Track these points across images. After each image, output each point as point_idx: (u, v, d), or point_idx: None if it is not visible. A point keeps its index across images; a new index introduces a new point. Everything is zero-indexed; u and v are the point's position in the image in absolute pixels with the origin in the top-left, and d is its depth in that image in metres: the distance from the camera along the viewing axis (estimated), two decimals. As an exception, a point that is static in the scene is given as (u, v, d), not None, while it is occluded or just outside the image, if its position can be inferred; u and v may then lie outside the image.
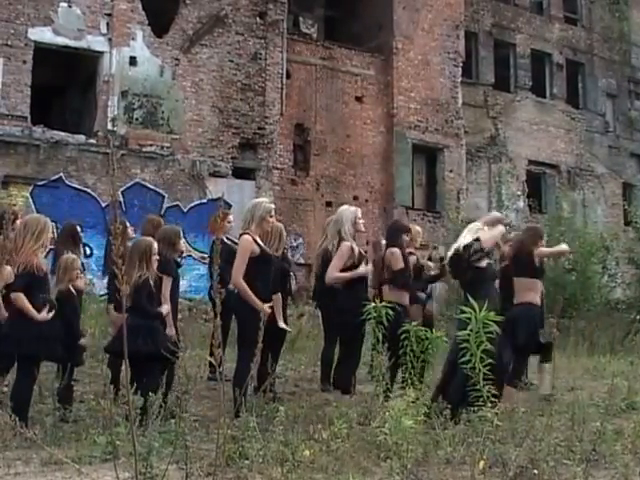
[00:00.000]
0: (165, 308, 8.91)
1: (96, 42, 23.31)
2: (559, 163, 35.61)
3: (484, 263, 9.10)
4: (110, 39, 23.44)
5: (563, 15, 37.59)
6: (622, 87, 39.02)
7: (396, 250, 10.70)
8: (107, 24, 23.43)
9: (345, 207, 10.88)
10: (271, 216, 9.20)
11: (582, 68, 37.87)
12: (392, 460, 6.24)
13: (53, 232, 8.96)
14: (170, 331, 9.21)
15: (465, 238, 9.19)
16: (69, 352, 8.54)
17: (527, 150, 34.56)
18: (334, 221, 10.56)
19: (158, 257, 8.62)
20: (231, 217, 12.22)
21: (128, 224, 11.21)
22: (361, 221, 10.51)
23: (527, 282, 10.41)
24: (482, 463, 6.19)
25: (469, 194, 31.48)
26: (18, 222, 8.97)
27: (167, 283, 9.31)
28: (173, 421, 6.73)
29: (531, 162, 34.71)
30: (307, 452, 6.50)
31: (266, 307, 8.63)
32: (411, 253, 12.76)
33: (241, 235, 9.02)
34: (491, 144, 33.52)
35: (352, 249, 10.23)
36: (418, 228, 13.37)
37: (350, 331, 10.19)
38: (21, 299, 7.87)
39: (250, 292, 8.64)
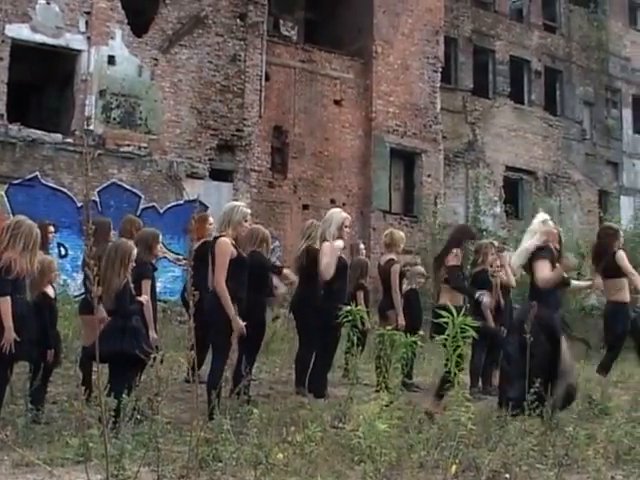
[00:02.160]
0: (144, 298, 8.91)
1: (74, 40, 23.16)
2: (536, 169, 35.77)
3: None
4: (89, 37, 23.30)
5: (542, 23, 37.79)
6: (599, 95, 39.26)
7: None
8: (86, 22, 23.29)
9: (337, 210, 10.84)
10: (246, 220, 9.24)
11: (560, 76, 38.07)
12: (366, 464, 6.24)
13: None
14: (153, 334, 9.21)
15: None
16: (44, 354, 8.50)
17: (504, 156, 34.69)
18: (322, 221, 10.50)
19: (135, 261, 8.59)
20: (211, 219, 12.21)
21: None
22: (347, 229, 10.46)
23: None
24: (454, 467, 6.20)
25: (446, 199, 31.55)
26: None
27: (146, 286, 9.30)
28: (147, 423, 6.70)
29: (508, 168, 34.84)
30: (281, 455, 6.49)
31: (241, 323, 8.71)
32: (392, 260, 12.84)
33: (217, 238, 9.02)
34: (469, 149, 33.63)
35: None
36: (402, 234, 13.36)
37: (327, 334, 10.16)
38: (7, 307, 7.79)
39: (229, 300, 8.65)
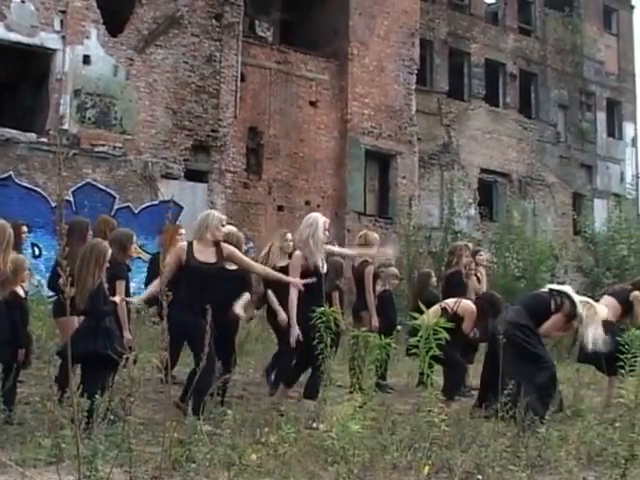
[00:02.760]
0: (118, 298, 8.89)
1: (49, 39, 23.03)
2: (510, 172, 35.96)
3: None
4: (64, 37, 23.17)
5: (517, 26, 38.00)
6: (574, 98, 39.53)
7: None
8: (61, 21, 23.17)
9: (317, 214, 10.74)
10: (223, 225, 9.25)
11: (535, 79, 38.29)
12: (339, 465, 6.24)
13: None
14: (126, 335, 9.17)
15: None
16: (15, 353, 8.45)
17: (479, 158, 34.84)
18: (306, 225, 10.35)
19: (109, 261, 8.55)
20: (182, 230, 12.20)
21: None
22: (327, 232, 10.42)
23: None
24: (427, 468, 6.22)
25: (421, 201, 31.63)
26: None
27: (120, 287, 9.27)
28: (120, 424, 6.67)
29: (483, 170, 35.00)
30: (254, 456, 6.48)
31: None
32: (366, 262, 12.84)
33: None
34: (444, 152, 33.75)
35: (305, 258, 10.08)
36: (376, 235, 13.34)
37: (305, 338, 10.12)
38: None
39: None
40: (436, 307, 10.64)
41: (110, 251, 8.49)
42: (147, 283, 10.84)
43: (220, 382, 8.34)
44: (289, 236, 11.68)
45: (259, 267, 9.79)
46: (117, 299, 8.90)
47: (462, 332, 10.55)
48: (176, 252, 9.06)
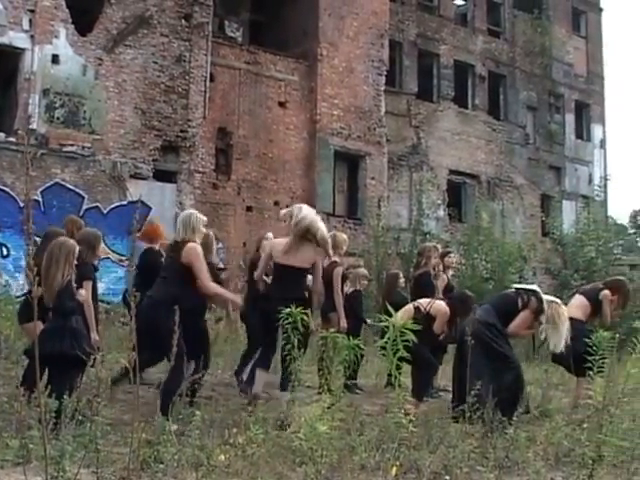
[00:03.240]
0: (83, 292, 8.84)
1: (18, 39, 22.87)
2: (479, 173, 36.10)
3: None
4: (32, 36, 23.03)
5: (487, 28, 38.16)
6: (542, 100, 39.75)
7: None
8: (30, 20, 23.02)
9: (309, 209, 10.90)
10: (205, 226, 9.31)
11: (504, 80, 38.47)
12: (307, 465, 6.25)
13: None
14: (94, 335, 9.13)
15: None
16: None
17: (448, 160, 34.94)
18: (310, 221, 10.40)
19: (77, 260, 8.51)
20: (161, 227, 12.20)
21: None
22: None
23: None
24: (395, 469, 6.24)
25: (390, 202, 31.68)
26: None
27: (87, 287, 9.23)
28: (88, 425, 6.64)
29: (452, 172, 35.11)
30: (222, 457, 6.48)
31: (238, 298, 9.95)
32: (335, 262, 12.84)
33: (184, 243, 9.03)
34: (413, 153, 33.81)
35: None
36: (344, 236, 13.39)
37: (269, 334, 10.16)
38: None
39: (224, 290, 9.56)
40: (409, 306, 10.68)
41: (78, 248, 8.46)
42: (141, 277, 10.46)
43: (189, 382, 8.35)
44: (270, 235, 11.89)
45: (211, 286, 9.61)
46: (83, 293, 8.84)
47: (432, 332, 10.59)
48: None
